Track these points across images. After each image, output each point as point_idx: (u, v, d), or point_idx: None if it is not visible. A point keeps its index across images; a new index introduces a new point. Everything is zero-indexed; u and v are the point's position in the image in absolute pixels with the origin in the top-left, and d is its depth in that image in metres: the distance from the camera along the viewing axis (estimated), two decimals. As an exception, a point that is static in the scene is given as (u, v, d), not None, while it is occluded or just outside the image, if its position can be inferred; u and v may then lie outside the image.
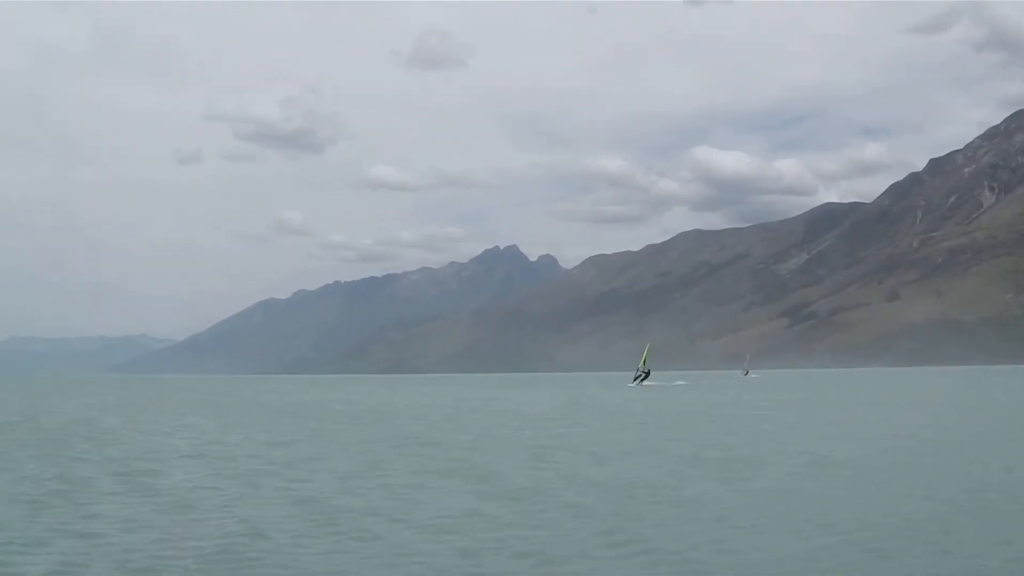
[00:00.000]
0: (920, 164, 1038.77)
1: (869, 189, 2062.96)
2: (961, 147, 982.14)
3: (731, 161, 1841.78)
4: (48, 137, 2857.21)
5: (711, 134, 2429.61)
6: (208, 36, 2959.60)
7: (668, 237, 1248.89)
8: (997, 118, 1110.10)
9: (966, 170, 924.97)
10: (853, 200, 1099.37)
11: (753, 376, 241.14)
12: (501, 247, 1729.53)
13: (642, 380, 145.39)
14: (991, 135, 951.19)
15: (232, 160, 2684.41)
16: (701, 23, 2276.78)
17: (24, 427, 59.08)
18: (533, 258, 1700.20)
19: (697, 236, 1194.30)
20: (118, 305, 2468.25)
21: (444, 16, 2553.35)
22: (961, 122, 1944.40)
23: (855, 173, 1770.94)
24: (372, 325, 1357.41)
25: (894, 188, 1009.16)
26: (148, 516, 23.07)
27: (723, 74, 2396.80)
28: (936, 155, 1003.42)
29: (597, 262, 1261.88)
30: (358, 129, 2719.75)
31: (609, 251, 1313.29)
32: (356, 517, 22.56)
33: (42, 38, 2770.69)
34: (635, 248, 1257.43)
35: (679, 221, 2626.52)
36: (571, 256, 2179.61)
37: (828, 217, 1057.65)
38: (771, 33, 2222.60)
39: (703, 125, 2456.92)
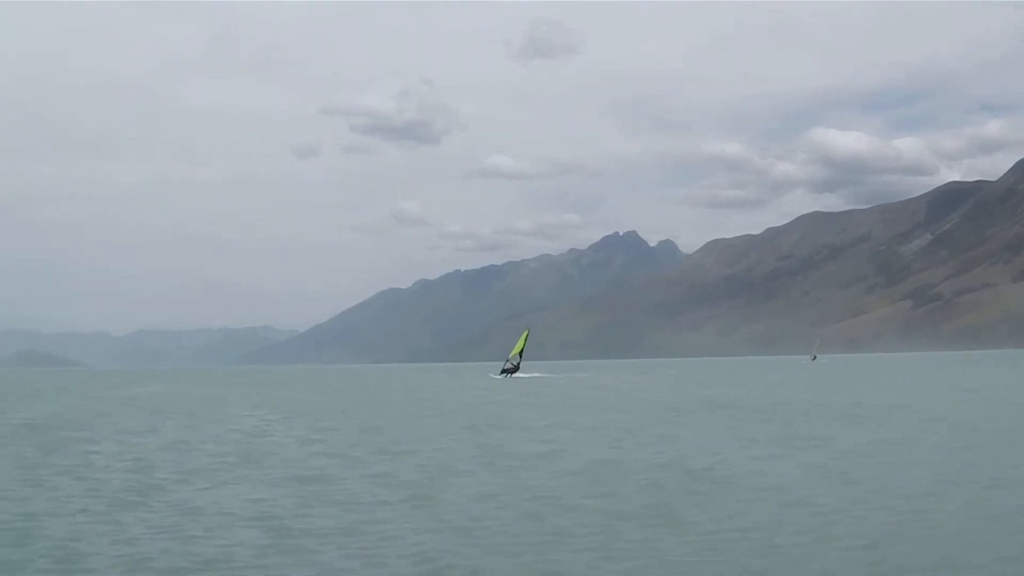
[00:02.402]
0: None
1: (992, 167, 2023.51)
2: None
3: (849, 141, 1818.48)
4: (167, 138, 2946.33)
5: (827, 115, 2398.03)
6: (320, 34, 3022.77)
7: (787, 220, 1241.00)
8: None
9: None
10: (977, 178, 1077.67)
11: (821, 361, 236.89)
12: (620, 233, 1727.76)
13: (511, 373, 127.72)
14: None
15: (349, 153, 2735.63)
16: (813, 2, 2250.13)
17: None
18: (653, 243, 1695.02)
19: (817, 218, 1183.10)
20: (241, 298, 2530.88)
21: (553, 5, 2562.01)
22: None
23: (977, 151, 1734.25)
24: (492, 313, 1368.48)
25: (1021, 165, 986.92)
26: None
27: (837, 54, 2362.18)
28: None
29: (717, 246, 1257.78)
30: (472, 120, 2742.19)
31: (728, 235, 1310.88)
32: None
33: (159, 42, 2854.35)
34: (755, 232, 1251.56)
35: (797, 204, 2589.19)
36: (691, 241, 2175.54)
37: (951, 196, 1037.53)
38: (886, 10, 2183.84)
39: (818, 106, 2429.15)
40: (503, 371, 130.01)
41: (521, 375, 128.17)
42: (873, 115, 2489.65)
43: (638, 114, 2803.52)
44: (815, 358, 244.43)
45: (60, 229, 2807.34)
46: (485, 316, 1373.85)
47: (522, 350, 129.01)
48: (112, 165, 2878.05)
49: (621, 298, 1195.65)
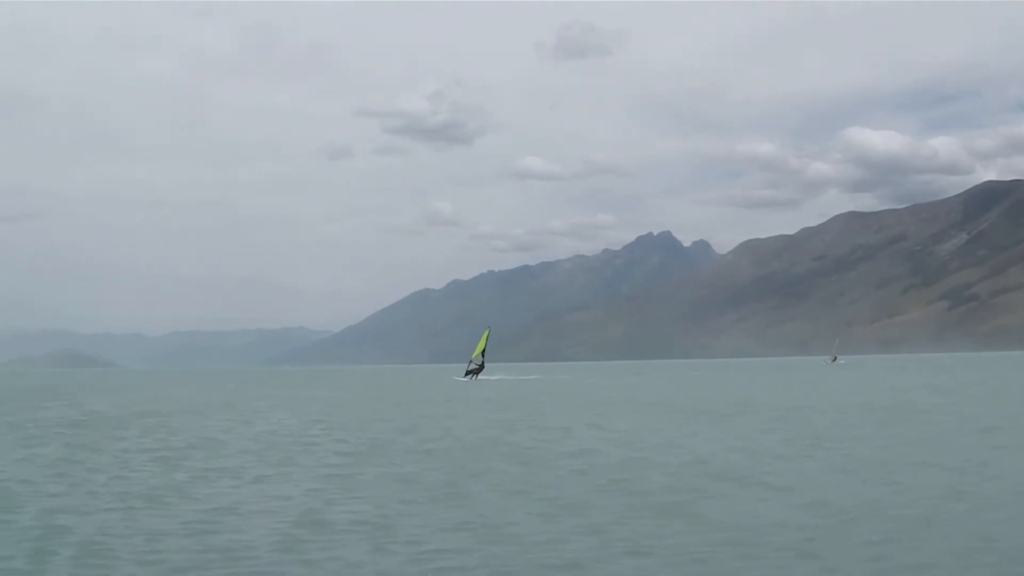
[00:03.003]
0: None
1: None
2: None
3: (883, 141, 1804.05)
4: (201, 140, 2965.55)
5: (861, 114, 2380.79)
6: (353, 36, 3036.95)
7: (821, 220, 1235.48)
8: None
9: None
10: (1013, 178, 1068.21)
11: (841, 362, 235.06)
12: (655, 233, 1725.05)
13: (476, 374, 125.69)
14: None
15: (382, 154, 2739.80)
16: (847, 1, 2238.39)
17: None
18: (687, 244, 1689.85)
19: (852, 218, 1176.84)
20: (276, 299, 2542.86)
21: (587, 5, 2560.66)
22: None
23: (1013, 150, 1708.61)
24: (526, 314, 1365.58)
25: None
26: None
27: (871, 53, 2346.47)
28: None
29: (751, 246, 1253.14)
30: (504, 120, 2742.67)
31: (762, 235, 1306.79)
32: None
33: (193, 45, 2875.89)
34: (790, 232, 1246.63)
35: (832, 204, 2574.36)
36: (725, 241, 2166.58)
37: (988, 196, 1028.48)
38: (920, 8, 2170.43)
39: (853, 105, 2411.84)
40: (467, 372, 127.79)
41: (488, 377, 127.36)
42: (908, 114, 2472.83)
43: (671, 114, 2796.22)
44: (835, 359, 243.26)
45: (96, 231, 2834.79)
46: (519, 317, 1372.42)
47: (484, 350, 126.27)
48: (148, 166, 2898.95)
49: (655, 299, 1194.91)
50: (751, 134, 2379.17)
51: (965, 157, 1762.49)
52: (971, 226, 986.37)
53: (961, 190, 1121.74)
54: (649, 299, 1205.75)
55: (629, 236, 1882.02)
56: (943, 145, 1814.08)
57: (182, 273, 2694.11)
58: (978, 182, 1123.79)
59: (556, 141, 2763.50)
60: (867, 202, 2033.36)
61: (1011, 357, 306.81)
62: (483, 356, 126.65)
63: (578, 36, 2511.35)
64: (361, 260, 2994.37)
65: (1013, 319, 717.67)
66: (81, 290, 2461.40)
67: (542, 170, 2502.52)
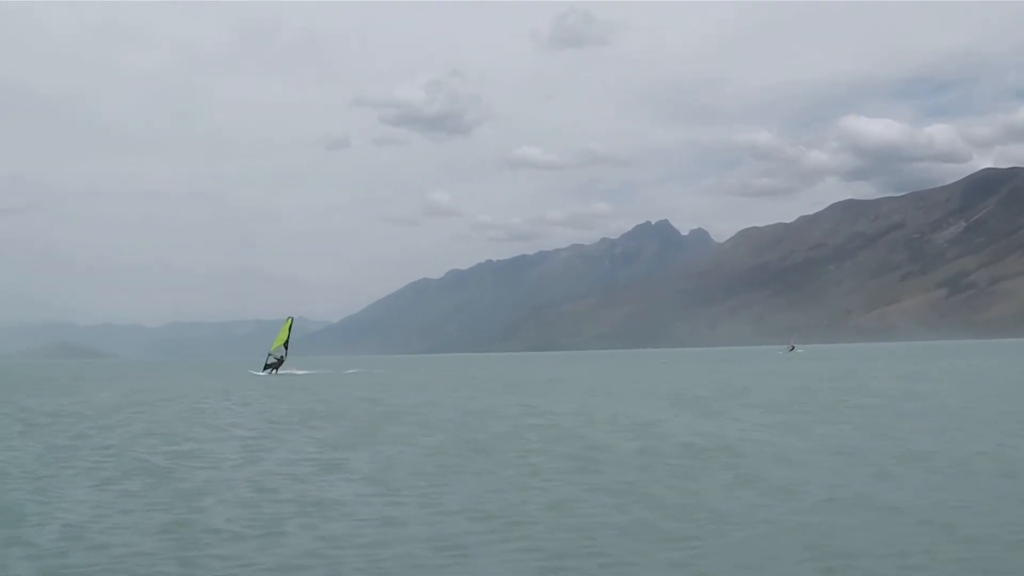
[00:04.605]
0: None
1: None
2: None
3: (880, 129, 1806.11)
4: (197, 133, 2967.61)
5: (858, 103, 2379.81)
6: (348, 26, 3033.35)
7: (819, 209, 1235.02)
8: None
9: None
10: (1011, 165, 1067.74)
11: (799, 352, 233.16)
12: (652, 222, 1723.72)
13: (275, 368, 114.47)
14: None
15: (379, 144, 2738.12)
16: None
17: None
18: (685, 232, 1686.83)
19: (850, 206, 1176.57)
20: (274, 290, 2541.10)
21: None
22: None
23: (1010, 138, 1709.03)
24: (524, 303, 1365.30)
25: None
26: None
27: (866, 41, 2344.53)
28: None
29: (749, 235, 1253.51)
30: (501, 110, 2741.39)
31: (760, 224, 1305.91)
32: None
33: (187, 37, 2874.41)
34: (787, 220, 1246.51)
35: (829, 193, 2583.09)
36: (723, 230, 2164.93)
37: (986, 183, 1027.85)
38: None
39: (849, 94, 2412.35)
40: (266, 367, 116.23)
41: (295, 372, 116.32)
42: (904, 102, 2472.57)
43: (668, 103, 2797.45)
44: (792, 348, 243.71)
45: (95, 223, 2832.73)
46: (517, 306, 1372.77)
47: (286, 341, 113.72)
48: (145, 159, 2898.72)
49: (653, 288, 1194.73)
50: (748, 123, 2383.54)
51: (962, 145, 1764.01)
52: (969, 214, 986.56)
53: (958, 178, 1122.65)
54: (647, 288, 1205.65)
55: (627, 225, 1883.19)
56: (940, 133, 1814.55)
57: (180, 265, 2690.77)
58: (975, 170, 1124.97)
59: (553, 131, 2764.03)
60: (864, 190, 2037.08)
61: (1008, 344, 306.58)
62: (285, 348, 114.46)
63: (575, 25, 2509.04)
64: (359, 250, 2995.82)
65: (1011, 306, 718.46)
66: (79, 282, 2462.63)
67: (539, 160, 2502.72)
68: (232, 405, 56.54)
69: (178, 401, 61.70)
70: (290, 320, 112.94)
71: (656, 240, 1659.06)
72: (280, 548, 16.37)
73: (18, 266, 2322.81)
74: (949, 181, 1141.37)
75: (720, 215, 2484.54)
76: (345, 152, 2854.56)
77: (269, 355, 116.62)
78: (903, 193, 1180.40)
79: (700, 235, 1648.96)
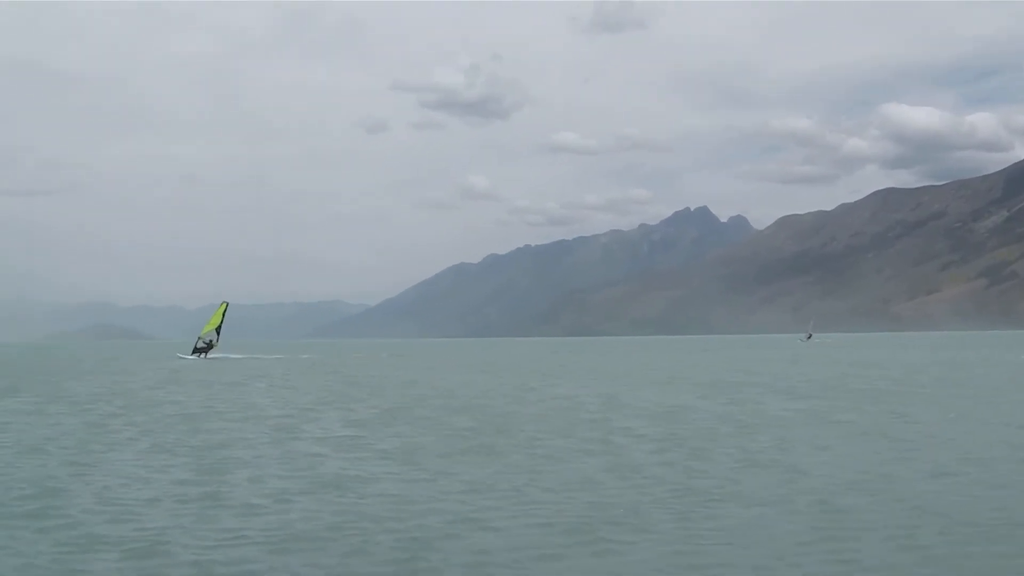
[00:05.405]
0: None
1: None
2: None
3: (922, 117, 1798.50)
4: (238, 116, 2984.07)
5: (899, 90, 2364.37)
6: (388, 10, 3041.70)
7: (859, 197, 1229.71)
8: None
9: None
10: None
11: (816, 340, 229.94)
12: (692, 208, 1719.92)
13: (204, 352, 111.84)
14: None
15: (418, 128, 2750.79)
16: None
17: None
18: (724, 219, 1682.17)
19: (890, 194, 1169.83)
20: (314, 272, 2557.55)
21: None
22: None
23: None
24: (562, 288, 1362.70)
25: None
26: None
27: (909, 28, 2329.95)
28: None
29: (788, 222, 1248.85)
30: (540, 95, 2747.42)
31: (800, 211, 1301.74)
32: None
33: (228, 21, 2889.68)
34: (827, 208, 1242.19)
35: (869, 180, 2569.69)
36: (762, 216, 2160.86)
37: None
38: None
39: (890, 81, 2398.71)
40: (195, 350, 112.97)
41: (223, 355, 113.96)
42: (946, 90, 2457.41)
43: (708, 89, 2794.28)
44: (810, 337, 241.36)
45: (135, 206, 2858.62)
46: (554, 291, 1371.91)
47: (219, 326, 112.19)
48: (184, 143, 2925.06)
49: (692, 274, 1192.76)
50: (788, 109, 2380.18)
51: (1004, 133, 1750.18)
52: (1011, 203, 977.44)
53: (1000, 167, 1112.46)
54: (685, 274, 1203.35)
55: (665, 211, 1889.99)
56: (982, 121, 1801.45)
57: (220, 247, 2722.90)
58: (1018, 159, 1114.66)
59: (592, 115, 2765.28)
60: (905, 178, 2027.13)
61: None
62: (217, 333, 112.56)
63: (614, 10, 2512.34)
64: (398, 234, 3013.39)
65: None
66: (122, 265, 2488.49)
67: (578, 144, 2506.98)
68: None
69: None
70: (225, 304, 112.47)
71: (695, 226, 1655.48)
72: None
73: (58, 248, 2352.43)
74: (991, 170, 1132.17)
75: (760, 202, 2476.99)
76: (385, 136, 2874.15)
77: (199, 339, 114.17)
78: (944, 182, 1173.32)
79: (739, 222, 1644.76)
